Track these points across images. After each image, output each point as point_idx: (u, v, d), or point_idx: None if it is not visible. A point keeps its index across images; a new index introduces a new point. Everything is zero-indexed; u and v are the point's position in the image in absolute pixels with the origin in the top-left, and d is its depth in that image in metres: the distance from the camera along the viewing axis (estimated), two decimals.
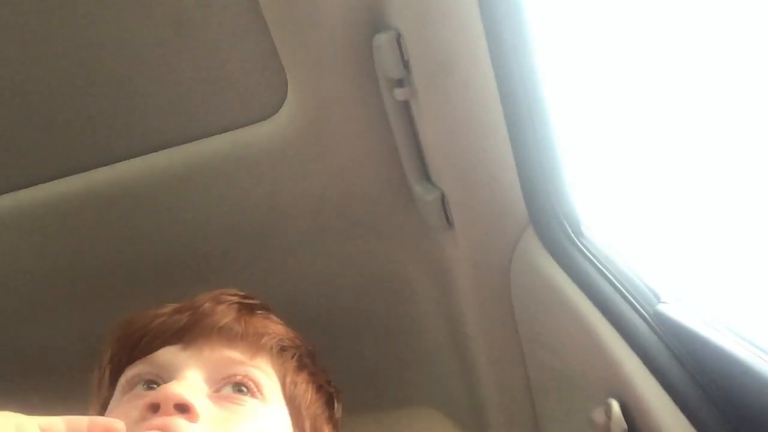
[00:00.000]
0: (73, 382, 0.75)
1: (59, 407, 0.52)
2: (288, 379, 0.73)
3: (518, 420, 0.93)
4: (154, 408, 0.61)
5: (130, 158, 0.85)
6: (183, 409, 0.61)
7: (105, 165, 0.86)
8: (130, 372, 0.70)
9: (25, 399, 0.53)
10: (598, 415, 0.66)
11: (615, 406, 0.64)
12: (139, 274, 0.95)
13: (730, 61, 0.69)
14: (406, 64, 0.68)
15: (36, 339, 1.02)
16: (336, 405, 0.80)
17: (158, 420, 0.60)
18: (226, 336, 0.71)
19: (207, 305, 0.73)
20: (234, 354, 0.70)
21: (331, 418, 0.79)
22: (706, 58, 0.70)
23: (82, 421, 0.50)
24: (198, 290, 0.78)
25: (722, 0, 0.68)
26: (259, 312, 0.77)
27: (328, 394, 0.79)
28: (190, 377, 0.66)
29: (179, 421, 0.60)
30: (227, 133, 0.82)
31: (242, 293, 0.77)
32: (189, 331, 0.71)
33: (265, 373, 0.70)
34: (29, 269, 0.96)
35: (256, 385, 0.68)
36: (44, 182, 0.88)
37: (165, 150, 0.84)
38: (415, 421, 1.08)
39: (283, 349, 0.74)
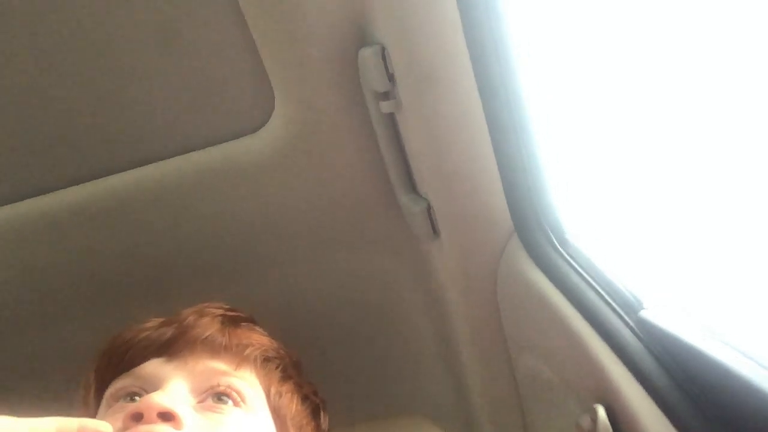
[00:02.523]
0: (68, 390, 0.75)
1: (55, 413, 0.53)
2: (272, 390, 0.73)
3: (507, 426, 0.94)
4: (137, 417, 0.62)
5: (119, 172, 0.85)
6: (167, 417, 0.62)
7: (94, 179, 0.86)
8: (115, 386, 0.70)
9: (21, 405, 0.54)
10: (585, 421, 0.66)
11: (601, 411, 0.64)
12: (129, 287, 0.95)
13: (710, 67, 0.71)
14: (391, 77, 0.69)
15: (30, 347, 1.02)
16: (322, 415, 0.80)
17: (142, 429, 0.60)
18: (210, 347, 0.71)
19: (191, 318, 0.74)
20: (218, 365, 0.70)
21: (317, 429, 0.79)
22: (686, 65, 0.71)
23: (72, 422, 0.50)
24: (189, 301, 0.78)
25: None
26: (243, 324, 0.77)
27: (314, 405, 0.79)
28: (173, 387, 0.67)
29: (163, 428, 0.61)
30: (215, 146, 0.83)
31: (227, 306, 0.78)
32: (173, 344, 0.71)
33: (249, 383, 0.71)
34: (18, 281, 0.96)
35: (240, 395, 0.69)
36: (31, 197, 0.88)
37: (153, 164, 0.84)
38: (404, 430, 1.08)
39: (267, 360, 0.75)
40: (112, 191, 0.86)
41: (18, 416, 0.50)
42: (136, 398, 0.68)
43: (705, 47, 0.69)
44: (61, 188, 0.87)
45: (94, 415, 0.71)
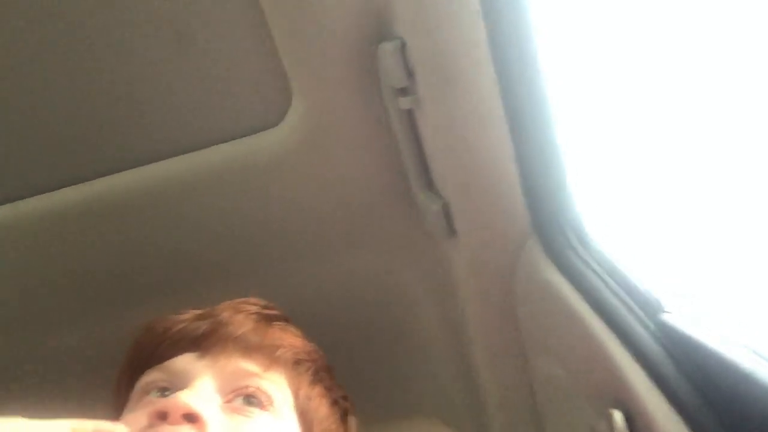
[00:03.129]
0: (78, 387, 0.75)
1: (64, 413, 0.53)
2: (301, 393, 0.73)
3: (521, 429, 0.93)
4: (162, 416, 0.61)
5: (136, 168, 0.86)
6: (191, 419, 0.61)
7: (110, 174, 0.87)
8: (146, 378, 0.70)
9: (35, 405, 0.53)
10: (601, 426, 0.65)
11: (618, 416, 0.63)
12: (143, 283, 0.95)
13: (736, 66, 0.69)
14: (410, 73, 0.69)
15: (39, 347, 1.02)
16: (351, 420, 0.80)
17: (166, 429, 0.60)
18: (242, 346, 0.71)
19: (226, 314, 0.74)
20: (248, 365, 0.70)
21: None
22: (712, 61, 0.70)
23: (86, 425, 0.50)
24: (201, 299, 0.78)
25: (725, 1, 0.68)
26: (276, 323, 0.77)
27: (343, 410, 0.79)
28: (201, 386, 0.66)
29: (187, 429, 0.60)
30: (232, 141, 0.83)
31: (263, 303, 0.78)
32: (206, 339, 0.71)
33: (277, 385, 0.70)
34: (31, 278, 0.96)
35: (268, 398, 0.68)
36: (47, 192, 0.88)
37: (170, 159, 0.84)
38: (418, 431, 1.07)
39: (298, 362, 0.74)
40: (128, 187, 0.86)
41: (31, 418, 0.50)
42: (167, 393, 0.68)
43: (733, 47, 0.68)
44: (80, 183, 0.88)
45: (124, 404, 0.71)
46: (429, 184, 0.81)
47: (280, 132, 0.81)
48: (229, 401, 0.67)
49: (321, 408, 0.74)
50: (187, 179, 0.85)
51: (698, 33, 0.69)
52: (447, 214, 0.80)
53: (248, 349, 0.71)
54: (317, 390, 0.75)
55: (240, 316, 0.74)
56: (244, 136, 0.83)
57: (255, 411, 0.67)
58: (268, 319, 0.76)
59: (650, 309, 0.63)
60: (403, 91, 0.71)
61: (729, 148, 0.72)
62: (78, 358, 0.97)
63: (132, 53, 0.76)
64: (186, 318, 0.74)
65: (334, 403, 0.77)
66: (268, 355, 0.71)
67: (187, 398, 0.62)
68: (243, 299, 0.77)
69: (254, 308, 0.76)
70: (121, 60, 0.77)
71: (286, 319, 0.79)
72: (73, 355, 1.00)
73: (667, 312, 0.63)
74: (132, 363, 0.74)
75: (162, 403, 0.63)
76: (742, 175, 0.73)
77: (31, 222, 0.90)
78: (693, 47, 0.70)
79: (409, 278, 0.96)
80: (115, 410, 0.73)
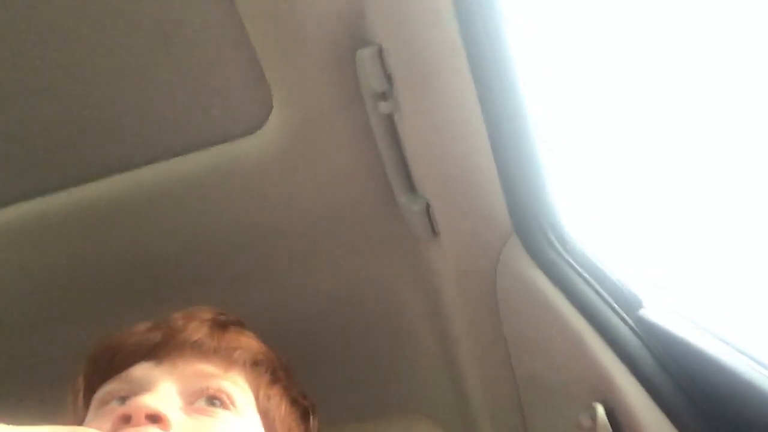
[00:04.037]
0: (65, 393, 0.75)
1: (54, 418, 0.53)
2: (261, 393, 0.73)
3: (507, 426, 0.94)
4: (126, 419, 0.62)
5: (117, 174, 0.85)
6: (155, 419, 0.62)
7: (91, 181, 0.86)
8: (104, 389, 0.70)
9: (20, 410, 0.53)
10: (584, 420, 0.67)
11: (600, 410, 0.64)
12: (125, 290, 0.95)
13: (705, 64, 0.71)
14: (388, 78, 0.69)
15: (29, 351, 1.02)
16: (312, 418, 0.81)
17: (131, 430, 0.61)
18: (200, 351, 0.72)
19: (180, 322, 0.75)
20: (207, 367, 0.70)
21: None
22: (686, 62, 0.71)
23: (62, 430, 0.50)
24: (187, 304, 0.78)
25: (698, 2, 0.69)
26: (232, 328, 0.78)
27: (303, 408, 0.80)
28: (162, 390, 0.67)
29: (151, 429, 0.61)
30: (212, 148, 0.83)
31: (216, 310, 0.79)
32: (162, 347, 0.71)
33: (238, 386, 0.71)
34: (13, 284, 0.96)
35: (229, 397, 0.69)
36: (21, 201, 0.88)
37: (150, 166, 0.84)
38: (404, 430, 1.08)
39: (256, 363, 0.75)
40: (108, 193, 0.86)
41: (16, 423, 0.50)
42: (127, 401, 0.68)
43: (700, 43, 0.69)
44: (59, 190, 0.87)
45: (82, 419, 0.71)
46: (411, 187, 0.82)
47: (262, 137, 0.82)
48: (191, 403, 0.67)
49: (281, 407, 0.75)
50: (167, 186, 0.85)
51: (668, 28, 0.70)
52: (429, 215, 0.80)
53: (206, 352, 0.72)
54: (276, 389, 0.75)
55: (194, 323, 0.74)
56: (226, 142, 0.83)
57: (218, 411, 0.67)
58: (222, 325, 0.77)
59: (629, 304, 0.65)
60: (383, 96, 0.72)
61: (704, 142, 0.74)
62: (62, 362, 0.97)
63: (111, 59, 0.76)
64: (139, 330, 0.75)
65: (294, 401, 0.78)
66: (226, 358, 0.72)
67: (149, 400, 0.63)
68: (195, 308, 0.77)
69: (208, 315, 0.77)
70: (101, 68, 0.76)
71: (240, 324, 0.79)
72: (58, 359, 1.00)
73: (646, 307, 0.64)
74: (87, 377, 0.74)
75: (125, 407, 0.64)
76: (718, 169, 0.74)
77: (8, 229, 0.89)
78: (663, 43, 0.71)
79: (395, 279, 0.97)
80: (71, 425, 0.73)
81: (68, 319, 0.99)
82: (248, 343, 0.76)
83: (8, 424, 0.50)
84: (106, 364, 0.72)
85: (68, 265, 0.94)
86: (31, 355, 1.02)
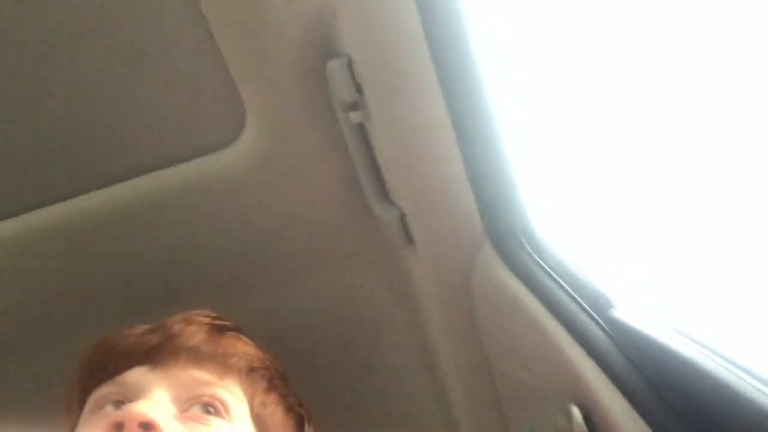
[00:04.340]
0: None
1: (54, 427, 0.53)
2: (257, 400, 0.73)
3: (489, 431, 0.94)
4: (119, 426, 0.62)
5: (92, 190, 0.85)
6: (148, 427, 0.62)
7: (68, 198, 0.86)
8: (99, 393, 0.70)
9: (25, 419, 0.53)
10: (561, 422, 0.67)
11: (576, 412, 0.65)
12: (107, 303, 0.95)
13: (675, 67, 0.72)
14: (358, 88, 0.70)
15: (29, 360, 1.01)
16: (307, 427, 0.80)
17: None
18: (195, 356, 0.71)
19: (177, 326, 0.74)
20: (202, 374, 0.70)
21: None
22: (652, 65, 0.72)
23: None
24: (165, 316, 0.78)
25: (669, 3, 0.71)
26: (229, 333, 0.77)
27: (299, 416, 0.79)
28: (156, 397, 0.67)
29: None
30: (186, 162, 0.83)
31: (213, 314, 0.78)
32: (158, 352, 0.71)
33: (233, 393, 0.71)
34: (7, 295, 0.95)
35: (224, 405, 0.69)
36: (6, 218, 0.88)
37: (126, 181, 0.84)
38: None
39: (252, 370, 0.75)
40: (81, 210, 0.86)
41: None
42: (122, 406, 0.67)
43: (659, 45, 0.70)
44: (36, 207, 0.87)
45: (77, 419, 0.71)
46: (385, 196, 0.83)
47: (236, 150, 0.82)
48: (185, 410, 0.67)
49: (276, 415, 0.75)
50: (140, 201, 0.85)
51: (643, 29, 0.71)
52: (403, 223, 0.81)
53: (201, 358, 0.71)
54: (272, 397, 0.75)
55: (191, 327, 0.74)
56: (199, 156, 0.83)
57: (212, 419, 0.67)
58: (219, 330, 0.76)
59: (599, 305, 0.65)
60: (354, 106, 0.73)
61: (669, 142, 0.75)
62: (60, 373, 0.97)
63: (84, 76, 0.76)
64: (135, 333, 0.74)
65: (289, 409, 0.78)
66: (222, 364, 0.72)
67: (142, 407, 0.63)
68: (192, 311, 0.77)
69: (205, 319, 0.76)
70: (74, 84, 0.76)
71: (238, 330, 0.79)
72: (56, 370, 0.99)
73: (616, 307, 0.65)
74: (83, 380, 0.74)
75: (118, 414, 0.63)
76: (683, 168, 0.75)
77: None
78: (636, 44, 0.72)
79: (373, 290, 0.97)
80: (65, 428, 0.73)
81: (55, 334, 0.98)
82: (245, 349, 0.76)
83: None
84: (101, 367, 0.72)
85: (48, 278, 0.93)
86: (34, 364, 1.01)
